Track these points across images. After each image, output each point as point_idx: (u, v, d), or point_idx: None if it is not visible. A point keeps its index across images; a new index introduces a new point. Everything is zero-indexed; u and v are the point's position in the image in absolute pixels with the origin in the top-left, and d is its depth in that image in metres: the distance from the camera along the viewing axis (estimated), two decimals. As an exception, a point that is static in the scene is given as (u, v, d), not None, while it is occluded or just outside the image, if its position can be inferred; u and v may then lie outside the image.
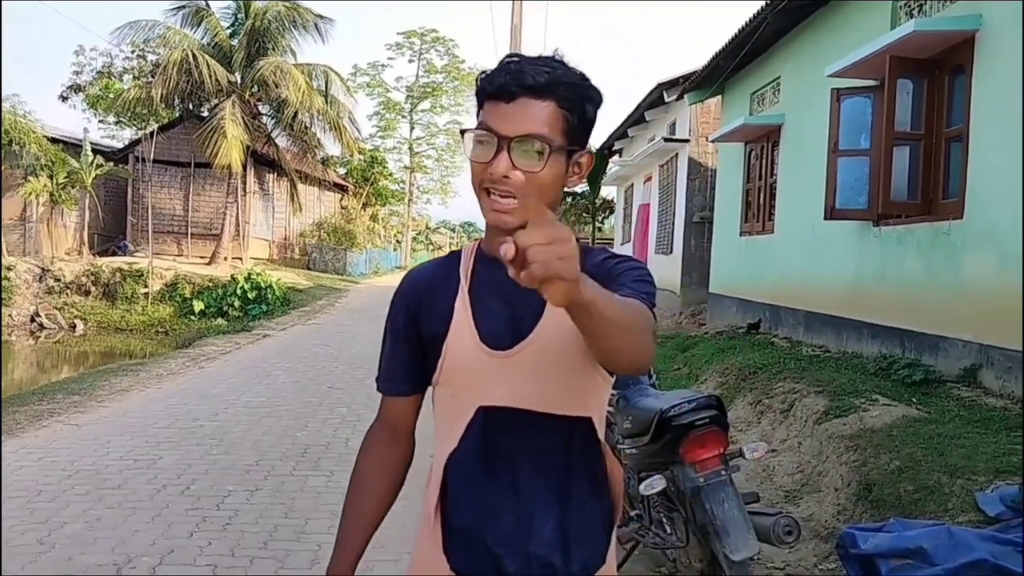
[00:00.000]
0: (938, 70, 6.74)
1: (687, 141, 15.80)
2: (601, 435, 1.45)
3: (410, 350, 1.48)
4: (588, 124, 1.35)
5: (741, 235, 11.79)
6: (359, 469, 1.58)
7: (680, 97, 14.83)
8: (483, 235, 1.47)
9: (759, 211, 11.16)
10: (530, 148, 1.28)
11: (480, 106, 1.35)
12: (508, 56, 1.36)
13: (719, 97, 13.38)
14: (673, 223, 16.73)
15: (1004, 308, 5.58)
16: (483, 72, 1.36)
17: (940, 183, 6.70)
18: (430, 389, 1.50)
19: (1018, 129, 5.55)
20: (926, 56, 6.69)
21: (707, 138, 14.31)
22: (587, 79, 1.35)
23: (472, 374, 1.37)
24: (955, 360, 6.11)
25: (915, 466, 4.11)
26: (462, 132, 1.37)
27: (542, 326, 1.34)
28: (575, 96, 1.31)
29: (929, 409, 5.26)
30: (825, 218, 7.80)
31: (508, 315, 1.36)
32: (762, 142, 11.03)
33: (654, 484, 3.01)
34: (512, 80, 1.28)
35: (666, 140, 16.30)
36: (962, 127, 6.32)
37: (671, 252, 16.61)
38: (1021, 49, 5.56)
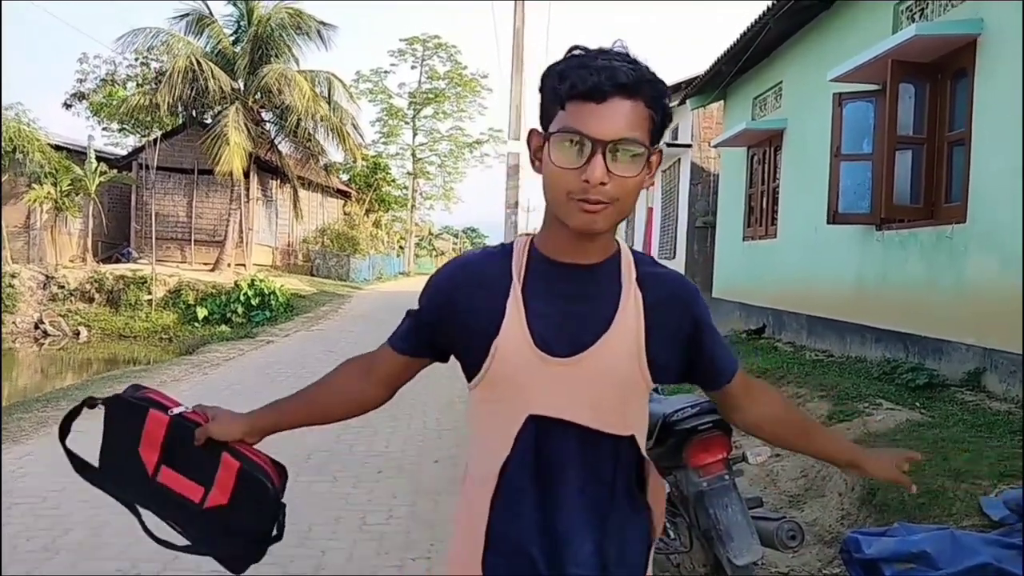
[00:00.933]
0: (940, 74, 6.75)
1: (689, 146, 15.82)
2: (643, 449, 1.41)
3: (425, 334, 1.44)
4: (666, 123, 1.29)
5: (744, 239, 11.79)
6: (336, 370, 1.57)
7: (682, 102, 14.85)
8: (537, 231, 1.39)
9: (762, 215, 11.17)
10: (626, 152, 1.21)
11: (557, 106, 1.24)
12: (577, 50, 1.27)
13: (721, 102, 13.40)
14: (676, 228, 16.75)
15: (1007, 311, 5.58)
16: (557, 70, 1.25)
17: (943, 187, 6.70)
18: (469, 392, 1.42)
19: (1020, 133, 5.55)
20: (928, 60, 6.70)
21: (709, 143, 14.34)
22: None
23: (523, 379, 1.30)
24: (959, 364, 6.11)
25: (919, 471, 4.10)
26: (546, 136, 1.26)
27: (608, 338, 1.30)
28: (657, 94, 1.25)
29: (933, 413, 5.25)
30: (828, 222, 7.81)
31: (565, 321, 1.30)
32: (764, 147, 11.04)
33: (657, 489, 3.00)
34: (606, 79, 1.19)
35: (668, 145, 16.30)
36: (964, 131, 6.33)
37: (674, 256, 16.62)
38: (1022, 53, 5.57)
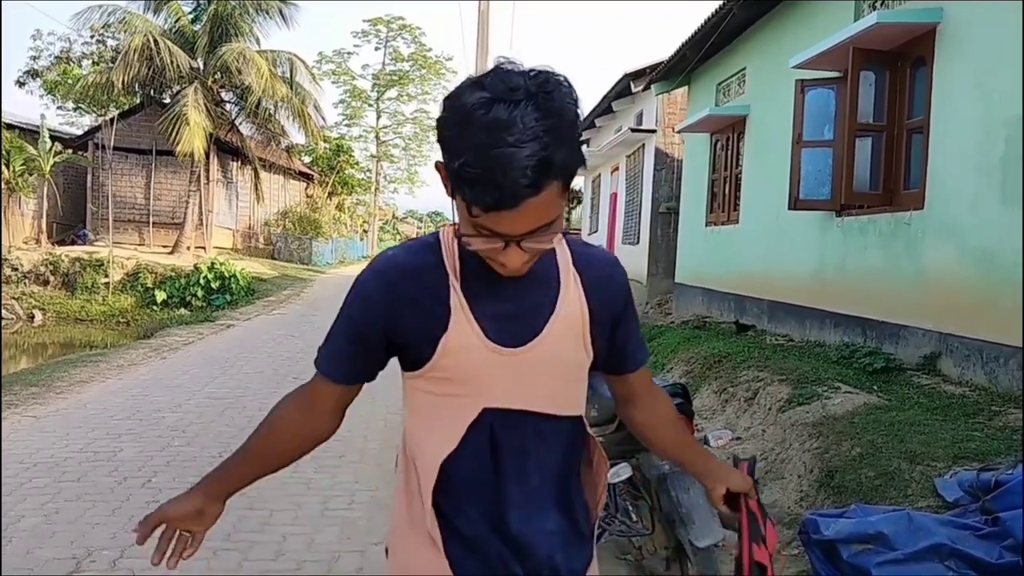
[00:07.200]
0: (900, 62, 6.83)
1: (654, 132, 15.86)
2: (587, 426, 1.45)
3: (366, 352, 1.36)
4: (578, 171, 1.18)
5: (707, 225, 11.87)
6: (275, 416, 1.51)
7: (647, 87, 14.88)
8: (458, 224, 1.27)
9: (724, 202, 11.24)
10: (543, 231, 1.15)
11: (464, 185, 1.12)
12: (484, 88, 1.10)
13: (686, 88, 13.44)
14: (640, 213, 16.81)
15: (963, 297, 5.69)
16: (458, 151, 1.10)
17: (901, 174, 6.79)
18: (404, 380, 1.39)
19: (977, 121, 5.64)
20: (888, 48, 6.77)
21: (674, 129, 14.38)
22: (571, 97, 1.13)
23: (475, 373, 1.28)
24: (915, 348, 6.22)
25: (876, 453, 4.17)
26: (469, 209, 1.13)
27: (553, 324, 1.31)
28: (573, 154, 1.12)
29: (890, 397, 5.34)
30: (789, 208, 7.89)
31: (510, 312, 1.29)
32: (728, 133, 11.11)
33: (620, 472, 3.02)
34: (509, 195, 1.07)
35: (633, 130, 16.35)
36: (923, 118, 6.41)
37: (638, 242, 16.69)
38: (981, 42, 5.65)
